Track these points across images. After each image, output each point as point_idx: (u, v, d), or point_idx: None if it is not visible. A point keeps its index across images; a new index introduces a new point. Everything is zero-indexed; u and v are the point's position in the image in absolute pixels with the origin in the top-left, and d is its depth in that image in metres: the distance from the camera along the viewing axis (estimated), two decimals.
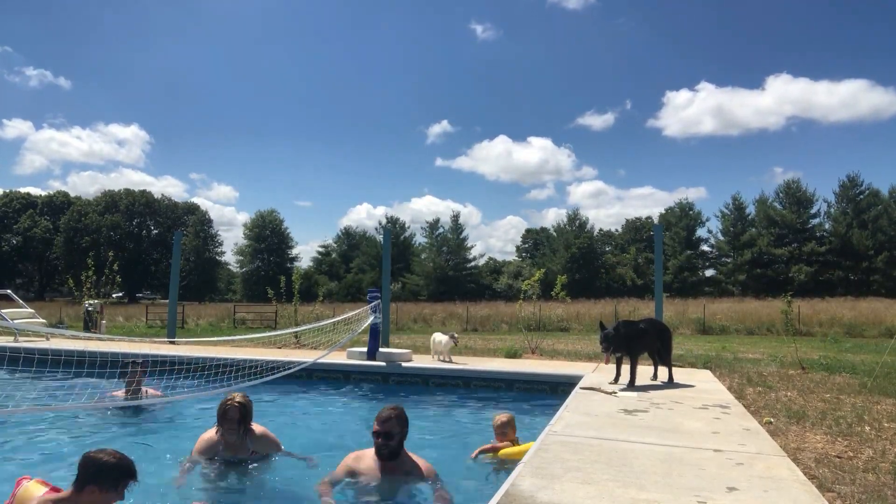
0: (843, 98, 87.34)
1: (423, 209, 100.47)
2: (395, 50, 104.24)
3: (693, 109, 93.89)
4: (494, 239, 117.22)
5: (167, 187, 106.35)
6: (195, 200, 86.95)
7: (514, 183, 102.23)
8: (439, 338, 9.30)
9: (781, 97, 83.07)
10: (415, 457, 4.19)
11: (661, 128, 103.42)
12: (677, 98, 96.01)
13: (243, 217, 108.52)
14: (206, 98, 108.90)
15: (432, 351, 9.46)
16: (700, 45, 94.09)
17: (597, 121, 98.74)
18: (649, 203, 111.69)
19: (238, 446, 4.51)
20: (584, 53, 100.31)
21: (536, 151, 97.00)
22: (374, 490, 4.02)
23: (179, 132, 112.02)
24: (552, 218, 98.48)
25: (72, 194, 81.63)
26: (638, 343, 6.56)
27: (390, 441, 4.01)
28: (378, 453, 4.05)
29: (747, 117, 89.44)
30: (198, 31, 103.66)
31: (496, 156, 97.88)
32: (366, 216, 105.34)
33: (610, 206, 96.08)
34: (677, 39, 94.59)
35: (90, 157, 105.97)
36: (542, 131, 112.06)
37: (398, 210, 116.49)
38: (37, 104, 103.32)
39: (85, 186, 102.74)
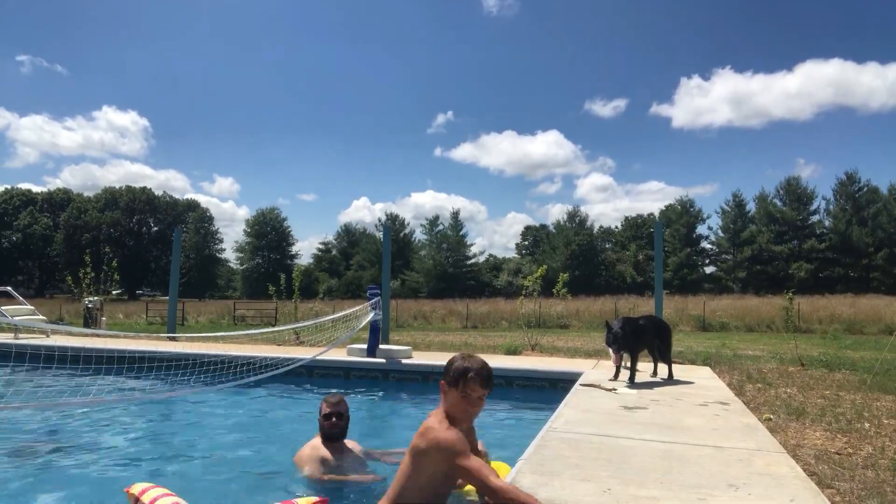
0: (885, 84, 79.73)
1: (426, 203, 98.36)
2: (400, 38, 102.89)
3: (709, 98, 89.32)
4: (499, 235, 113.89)
5: (169, 180, 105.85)
6: (196, 196, 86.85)
7: (521, 177, 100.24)
8: None
9: (811, 82, 79.27)
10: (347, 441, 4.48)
11: (674, 119, 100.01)
12: (692, 87, 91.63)
13: (244, 212, 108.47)
14: (206, 90, 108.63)
15: None
16: (718, 29, 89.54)
17: (607, 113, 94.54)
18: (661, 198, 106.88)
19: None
20: (596, 38, 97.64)
21: (544, 145, 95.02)
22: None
23: (180, 125, 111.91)
24: (559, 213, 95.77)
25: (70, 186, 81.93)
26: (638, 340, 6.55)
27: (341, 421, 4.29)
28: (328, 436, 4.27)
29: (768, 106, 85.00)
30: (198, 22, 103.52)
31: (503, 149, 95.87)
32: (367, 211, 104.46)
33: (619, 201, 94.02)
34: (694, 23, 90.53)
35: (88, 148, 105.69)
36: (550, 124, 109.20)
37: (401, 205, 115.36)
38: (31, 93, 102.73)
39: (84, 178, 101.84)
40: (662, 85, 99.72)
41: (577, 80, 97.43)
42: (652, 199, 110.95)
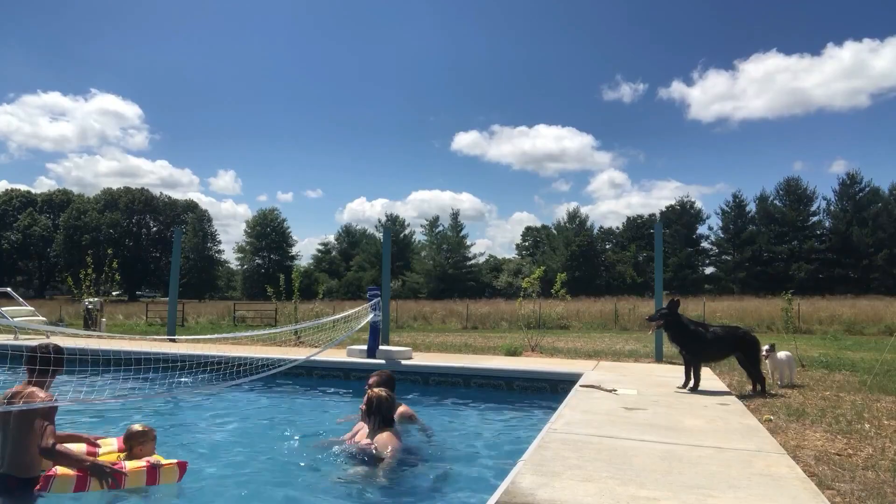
0: None
1: (433, 200, 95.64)
2: (403, 34, 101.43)
3: (735, 91, 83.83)
4: (507, 233, 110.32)
5: (170, 177, 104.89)
6: (198, 191, 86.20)
7: (534, 174, 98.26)
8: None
9: (851, 70, 73.53)
10: None
11: (695, 114, 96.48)
12: (717, 78, 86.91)
13: (243, 209, 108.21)
14: (208, 87, 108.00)
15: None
16: (751, 15, 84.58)
17: (626, 104, 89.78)
18: (678, 195, 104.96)
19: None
20: (611, 27, 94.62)
21: (556, 140, 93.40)
22: None
23: (182, 121, 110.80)
24: (566, 211, 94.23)
25: (70, 180, 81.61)
26: (707, 347, 6.49)
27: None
28: None
29: (801, 99, 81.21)
30: (200, 16, 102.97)
31: (514, 144, 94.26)
32: (369, 208, 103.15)
33: (632, 197, 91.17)
34: (720, 8, 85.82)
35: (88, 144, 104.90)
36: (565, 120, 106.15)
37: (406, 202, 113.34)
38: (29, 84, 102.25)
39: (83, 174, 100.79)
40: (682, 75, 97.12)
41: (593, 71, 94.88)
42: (668, 197, 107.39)
